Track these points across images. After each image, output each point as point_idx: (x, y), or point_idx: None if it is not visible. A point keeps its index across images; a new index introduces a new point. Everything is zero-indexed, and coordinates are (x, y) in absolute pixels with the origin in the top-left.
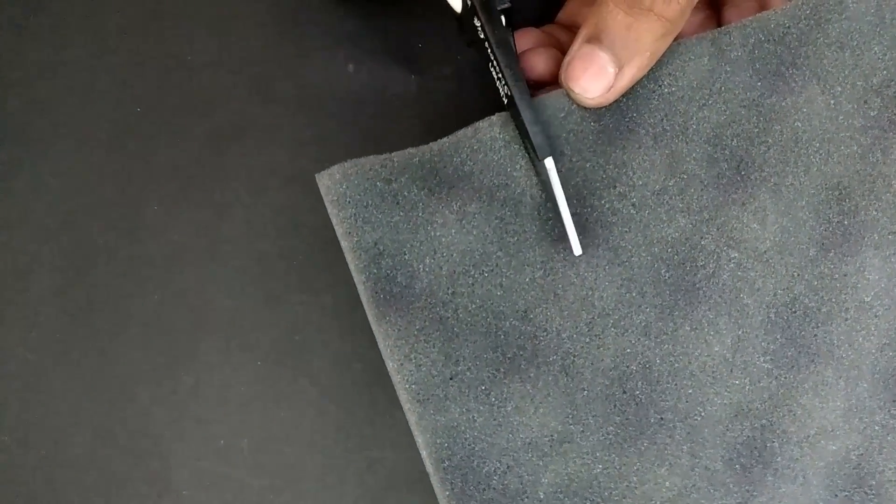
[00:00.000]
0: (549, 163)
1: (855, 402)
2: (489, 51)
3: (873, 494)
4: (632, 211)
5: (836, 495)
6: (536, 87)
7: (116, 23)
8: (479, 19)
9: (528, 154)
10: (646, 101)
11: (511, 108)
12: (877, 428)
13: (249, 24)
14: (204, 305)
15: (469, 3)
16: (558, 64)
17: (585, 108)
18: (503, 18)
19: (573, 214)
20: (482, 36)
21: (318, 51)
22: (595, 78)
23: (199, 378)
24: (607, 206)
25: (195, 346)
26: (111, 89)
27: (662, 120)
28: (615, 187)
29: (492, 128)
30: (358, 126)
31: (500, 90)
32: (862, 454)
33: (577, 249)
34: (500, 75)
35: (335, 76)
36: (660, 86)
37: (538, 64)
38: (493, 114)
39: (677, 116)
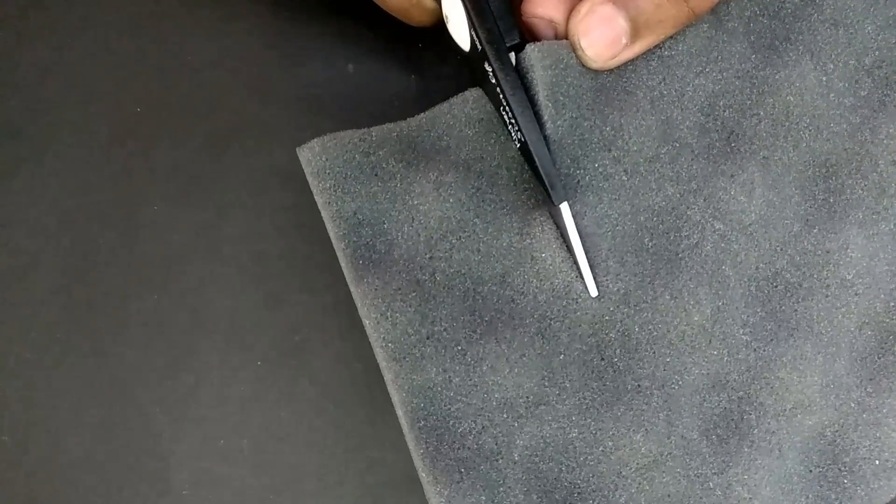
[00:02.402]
0: (565, 208)
1: (832, 379)
2: (500, 95)
3: (847, 471)
4: (623, 177)
5: (811, 470)
6: (534, 36)
7: (116, 23)
8: (489, 64)
9: (544, 196)
10: (645, 63)
11: (524, 152)
12: (853, 405)
13: (249, 24)
14: (204, 305)
15: (479, 46)
16: (567, 10)
17: (583, 64)
18: (513, 57)
19: (565, 175)
20: (493, 80)
21: (318, 51)
22: (606, 42)
23: (199, 378)
24: (601, 170)
25: (195, 346)
26: (111, 89)
27: (660, 84)
28: (610, 150)
29: (465, 104)
30: (358, 126)
31: (512, 134)
32: (837, 431)
33: (593, 292)
34: (512, 119)
35: (335, 76)
36: (660, 48)
37: (546, 4)
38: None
39: (675, 82)
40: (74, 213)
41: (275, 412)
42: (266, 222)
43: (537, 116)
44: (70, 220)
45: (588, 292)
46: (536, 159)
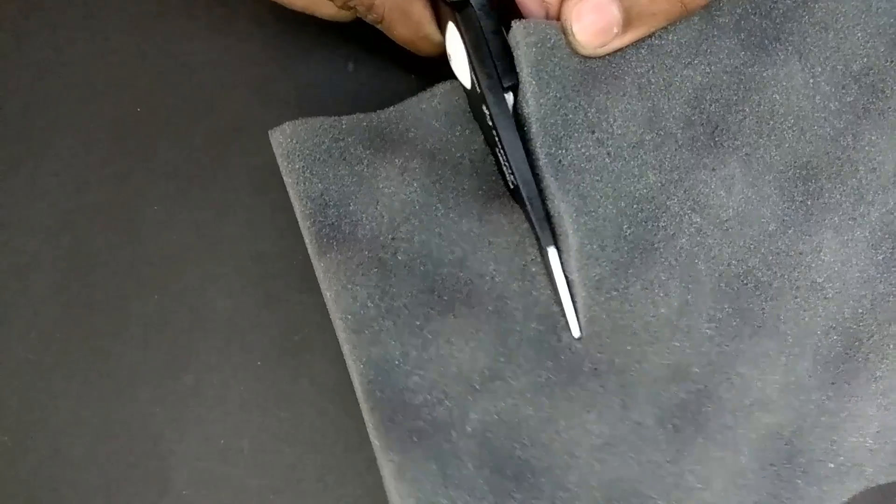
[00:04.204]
0: (552, 252)
1: (794, 379)
2: (495, 136)
3: (801, 472)
4: (606, 160)
5: (765, 468)
6: (525, 15)
7: (116, 23)
8: (486, 107)
9: (534, 237)
10: (634, 50)
11: (516, 195)
12: (812, 407)
13: (249, 24)
14: (204, 305)
15: (478, 89)
16: None
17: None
18: (511, 98)
19: (548, 154)
20: (490, 123)
21: (318, 51)
22: (596, 30)
23: (199, 378)
24: (583, 150)
25: (195, 346)
26: (111, 89)
27: (648, 71)
28: (594, 132)
29: (433, 98)
30: None
31: (506, 175)
32: (794, 431)
33: (576, 332)
34: (505, 162)
35: (335, 76)
36: (650, 36)
37: None
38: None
39: (663, 71)
40: (74, 213)
41: (275, 412)
42: (266, 222)
43: (521, 94)
44: (70, 220)
45: (572, 332)
46: (528, 206)
